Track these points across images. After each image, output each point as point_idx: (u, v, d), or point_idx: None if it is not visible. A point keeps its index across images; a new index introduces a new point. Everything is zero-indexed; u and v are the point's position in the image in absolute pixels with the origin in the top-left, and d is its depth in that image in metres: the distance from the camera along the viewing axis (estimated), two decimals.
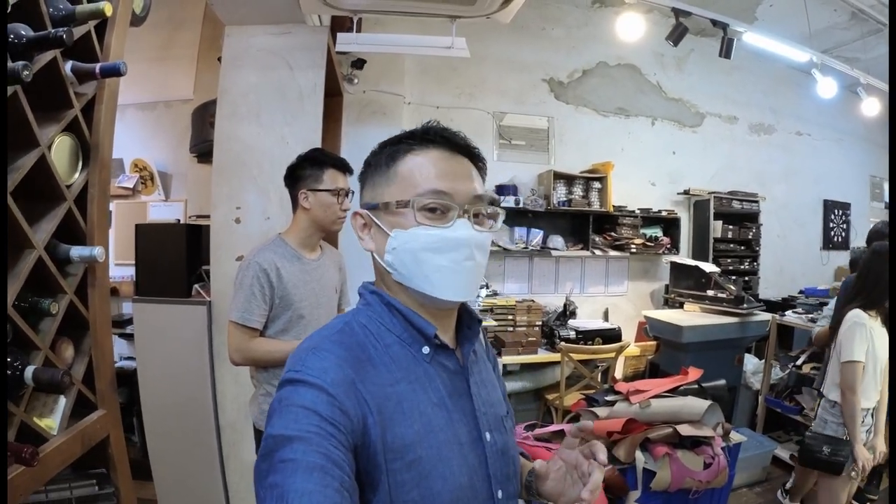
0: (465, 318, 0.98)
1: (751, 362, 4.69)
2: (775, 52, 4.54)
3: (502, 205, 3.63)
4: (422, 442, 0.80)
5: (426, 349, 0.88)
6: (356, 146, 3.79)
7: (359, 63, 3.89)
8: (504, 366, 3.85)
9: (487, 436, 0.89)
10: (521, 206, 4.35)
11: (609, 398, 2.71)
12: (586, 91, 5.08)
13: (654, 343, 4.64)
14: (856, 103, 7.03)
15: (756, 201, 5.88)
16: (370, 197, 0.93)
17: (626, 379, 4.60)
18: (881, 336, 2.54)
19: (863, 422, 2.52)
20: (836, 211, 7.34)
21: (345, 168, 2.01)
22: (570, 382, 3.87)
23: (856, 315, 2.54)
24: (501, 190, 4.39)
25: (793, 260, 6.52)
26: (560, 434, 2.64)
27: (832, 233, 7.21)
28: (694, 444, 2.54)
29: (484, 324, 3.87)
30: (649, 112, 5.44)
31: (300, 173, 1.97)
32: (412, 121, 4.29)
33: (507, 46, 4.72)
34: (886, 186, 8.46)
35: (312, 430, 0.70)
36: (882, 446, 2.59)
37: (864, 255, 2.76)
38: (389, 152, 0.93)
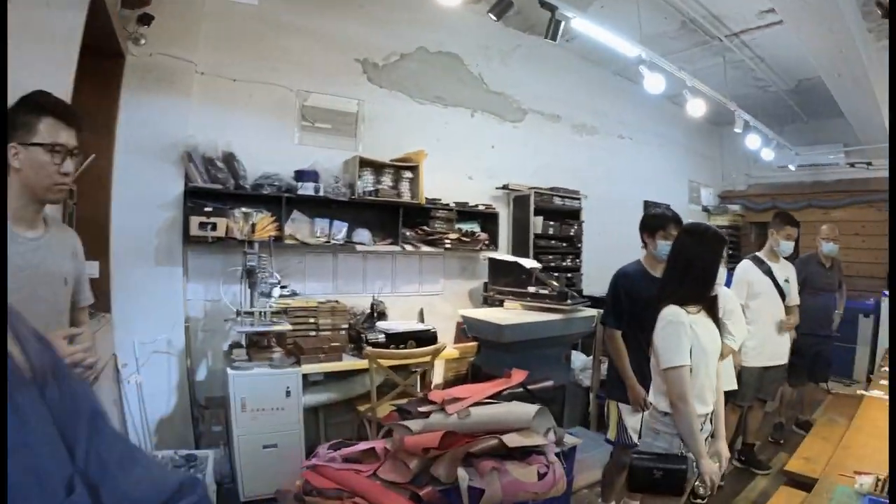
0: None
1: (578, 359, 5.04)
2: (604, 46, 4.90)
3: (300, 192, 3.54)
4: None
5: None
6: (136, 117, 3.64)
7: (145, 18, 3.57)
8: (305, 376, 3.72)
9: None
10: (321, 194, 4.33)
11: (423, 409, 2.62)
12: (403, 76, 5.25)
13: (474, 344, 4.75)
14: (676, 113, 8.01)
15: (578, 198, 6.45)
16: None
17: (448, 384, 4.65)
18: (706, 328, 2.38)
19: (701, 428, 2.33)
20: None
21: (70, 118, 1.77)
22: (385, 390, 3.81)
23: (671, 313, 2.32)
24: (301, 175, 4.34)
25: (615, 258, 7.09)
26: (371, 453, 2.54)
27: None
28: (525, 453, 2.50)
29: (276, 328, 3.74)
30: (469, 103, 5.76)
31: (13, 121, 1.69)
32: (204, 93, 4.14)
33: (319, 19, 4.74)
34: (703, 191, 9.80)
35: None
36: (726, 451, 2.48)
37: (676, 239, 2.61)
38: None
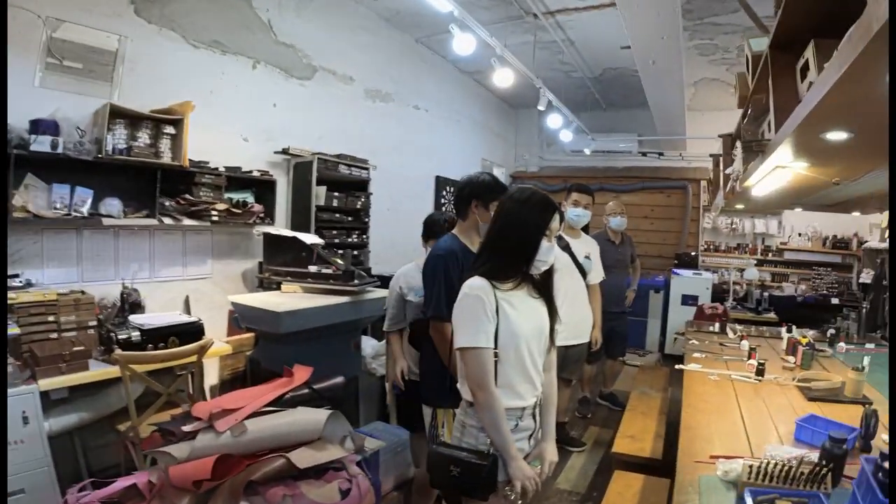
0: None
1: (369, 345, 5.06)
2: (410, 10, 4.94)
3: (33, 147, 2.96)
4: None
5: None
6: None
7: None
8: (45, 393, 3.19)
9: None
10: (59, 151, 3.74)
11: (189, 427, 2.34)
12: (178, 12, 4.81)
13: (252, 335, 4.57)
14: (476, 90, 8.46)
15: (366, 168, 6.53)
16: None
17: (225, 385, 4.42)
18: (527, 310, 2.25)
19: (516, 426, 2.23)
20: (447, 188, 8.80)
21: None
22: (150, 401, 3.44)
23: (470, 285, 2.18)
24: (37, 125, 3.72)
25: (404, 234, 7.51)
26: (135, 491, 2.20)
27: (444, 208, 8.73)
28: (321, 469, 2.36)
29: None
30: (252, 53, 5.50)
31: None
32: None
33: None
34: (496, 170, 10.60)
35: None
36: (552, 454, 2.35)
37: (499, 205, 2.43)
38: None
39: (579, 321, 4.78)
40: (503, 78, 6.10)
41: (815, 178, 4.13)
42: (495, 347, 2.14)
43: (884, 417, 2.68)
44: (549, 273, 2.34)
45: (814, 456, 2.15)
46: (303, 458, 2.26)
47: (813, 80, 2.02)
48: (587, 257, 4.81)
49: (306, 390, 2.84)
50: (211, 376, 4.54)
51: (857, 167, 3.54)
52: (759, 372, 3.73)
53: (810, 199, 6.44)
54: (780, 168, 3.63)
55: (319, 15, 6.19)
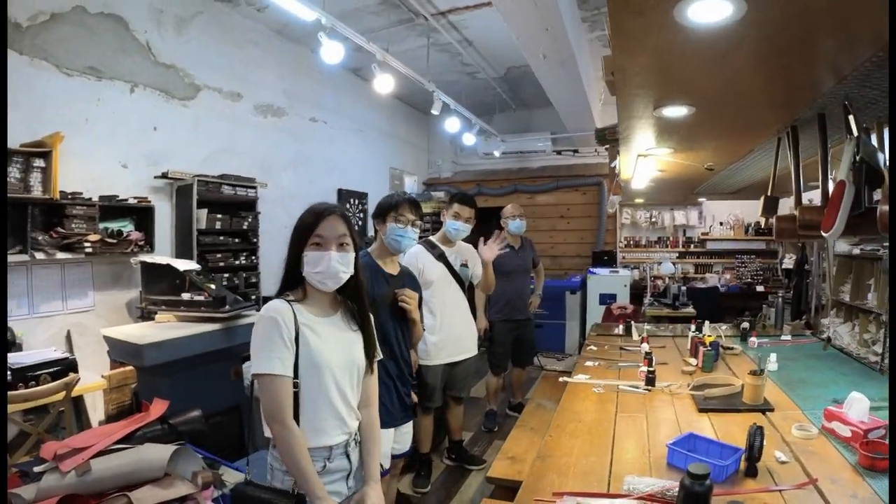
0: None
1: None
2: (301, 21, 5.31)
3: None
4: None
5: None
6: None
7: None
8: None
9: None
10: None
11: (39, 468, 2.41)
12: (52, 41, 5.07)
13: (132, 369, 4.57)
14: (379, 98, 8.91)
15: (253, 187, 6.83)
16: None
17: (112, 420, 4.63)
18: (334, 337, 2.25)
19: (324, 467, 2.19)
20: (352, 200, 9.34)
21: None
22: (24, 440, 3.67)
23: (267, 307, 2.19)
24: None
25: None
26: None
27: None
28: None
29: None
30: (130, 76, 5.80)
31: None
32: None
33: None
34: (407, 179, 11.15)
35: None
36: (377, 500, 2.27)
37: None
38: None
39: (461, 336, 4.81)
40: (384, 84, 6.44)
41: (689, 166, 4.43)
42: (296, 377, 2.12)
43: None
44: (362, 301, 2.37)
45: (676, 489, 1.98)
46: (145, 496, 2.28)
47: None
48: (464, 265, 4.80)
49: (159, 426, 2.87)
50: (99, 411, 4.73)
51: (727, 150, 3.71)
52: (650, 381, 3.62)
53: (706, 189, 6.88)
54: (643, 156, 3.94)
55: (202, 32, 6.52)
